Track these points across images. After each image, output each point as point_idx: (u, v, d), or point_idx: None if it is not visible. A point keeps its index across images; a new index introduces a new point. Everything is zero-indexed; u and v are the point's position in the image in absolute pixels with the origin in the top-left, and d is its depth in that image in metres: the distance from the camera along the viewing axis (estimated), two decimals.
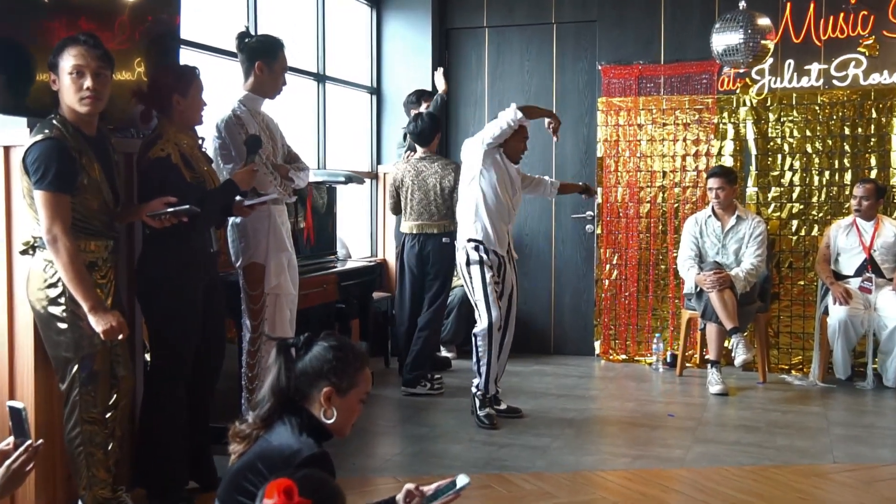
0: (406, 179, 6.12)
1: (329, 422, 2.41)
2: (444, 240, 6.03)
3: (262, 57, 4.29)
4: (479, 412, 5.27)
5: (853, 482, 4.27)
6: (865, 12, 6.43)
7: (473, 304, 5.32)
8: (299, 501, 1.84)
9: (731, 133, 6.87)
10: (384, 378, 6.45)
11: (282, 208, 4.39)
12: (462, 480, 2.50)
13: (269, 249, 4.26)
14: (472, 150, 5.31)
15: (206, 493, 3.91)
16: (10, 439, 2.48)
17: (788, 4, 6.67)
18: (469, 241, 5.27)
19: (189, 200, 3.68)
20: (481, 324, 5.22)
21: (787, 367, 6.73)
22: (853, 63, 6.60)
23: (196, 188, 3.82)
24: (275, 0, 6.10)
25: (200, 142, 4.01)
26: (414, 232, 6.11)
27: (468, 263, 5.26)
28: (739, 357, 5.96)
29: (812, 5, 6.63)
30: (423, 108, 6.43)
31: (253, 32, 4.39)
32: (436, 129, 6.17)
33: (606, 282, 7.18)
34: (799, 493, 4.07)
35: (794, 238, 6.77)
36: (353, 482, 4.09)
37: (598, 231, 7.20)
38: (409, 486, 2.52)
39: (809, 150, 6.71)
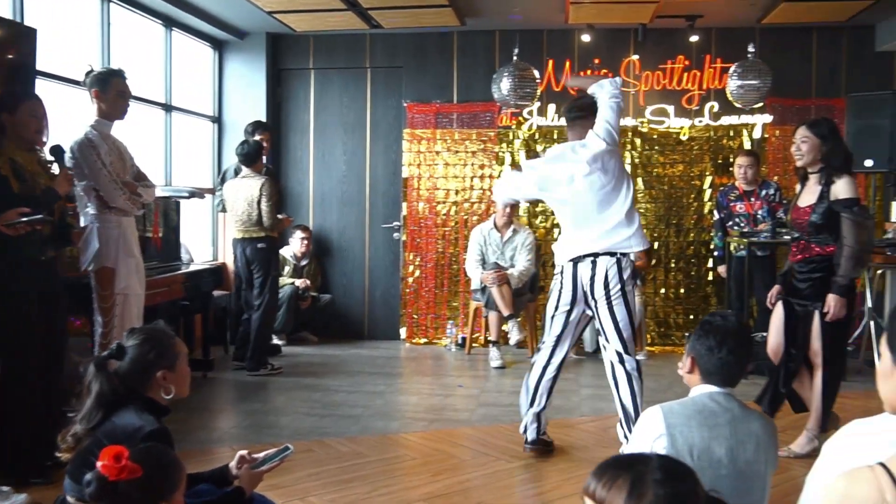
0: (228, 194, 6.03)
1: (170, 396, 2.31)
2: (259, 245, 5.93)
3: (96, 86, 4.07)
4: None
5: (594, 430, 4.55)
6: (605, 71, 6.88)
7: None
8: (127, 465, 1.71)
9: (508, 160, 7.10)
10: (224, 363, 6.26)
11: (130, 219, 4.20)
12: (286, 449, 2.47)
13: (119, 255, 4.08)
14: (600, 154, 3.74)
15: (60, 469, 3.70)
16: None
17: (550, 61, 7.02)
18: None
19: (39, 210, 3.46)
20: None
21: None
22: None
23: (24, 198, 3.53)
24: (126, 38, 5.82)
25: (50, 164, 3.76)
26: (238, 237, 6.01)
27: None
28: (514, 337, 6.17)
29: (568, 63, 7.01)
30: (257, 137, 6.31)
31: (97, 68, 4.16)
32: (259, 154, 6.06)
33: (410, 279, 7.28)
34: (556, 441, 4.24)
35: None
36: (195, 453, 3.98)
37: (404, 238, 7.29)
38: (242, 452, 2.45)
39: None
